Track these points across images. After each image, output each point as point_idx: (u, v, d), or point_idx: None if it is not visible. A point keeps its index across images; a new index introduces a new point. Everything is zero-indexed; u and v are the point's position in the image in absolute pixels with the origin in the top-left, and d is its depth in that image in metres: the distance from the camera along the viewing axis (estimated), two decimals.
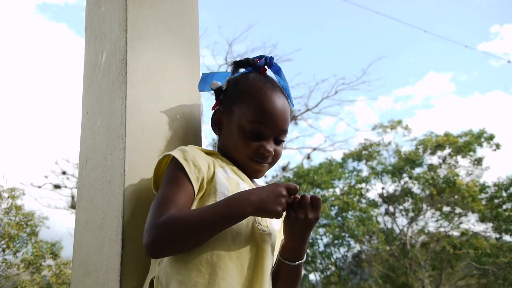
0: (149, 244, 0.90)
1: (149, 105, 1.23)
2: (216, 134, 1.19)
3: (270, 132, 1.09)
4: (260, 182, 1.21)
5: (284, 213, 0.96)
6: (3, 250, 9.84)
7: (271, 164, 1.14)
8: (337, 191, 13.03)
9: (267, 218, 1.02)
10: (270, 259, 1.01)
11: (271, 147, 1.09)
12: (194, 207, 0.98)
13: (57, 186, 11.99)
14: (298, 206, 0.96)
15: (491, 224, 11.87)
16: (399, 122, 13.28)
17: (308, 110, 12.79)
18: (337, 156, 13.77)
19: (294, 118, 12.57)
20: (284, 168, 13.16)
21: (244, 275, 0.94)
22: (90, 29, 1.50)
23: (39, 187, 11.79)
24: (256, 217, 0.99)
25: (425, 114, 21.80)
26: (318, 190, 12.72)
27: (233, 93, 1.15)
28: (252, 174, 1.13)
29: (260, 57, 1.19)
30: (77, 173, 1.45)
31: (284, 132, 1.13)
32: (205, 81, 1.24)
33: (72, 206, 11.63)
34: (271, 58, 1.18)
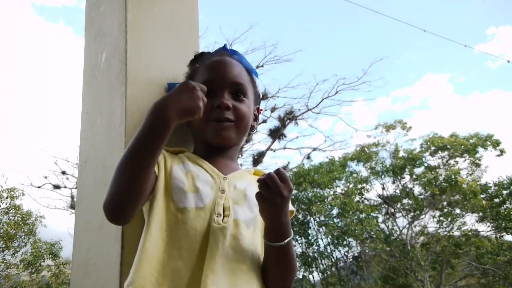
0: (105, 207, 0.89)
1: (149, 105, 1.23)
2: (188, 125, 1.17)
3: (220, 86, 1.10)
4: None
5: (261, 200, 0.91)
6: (2, 250, 9.84)
7: (237, 124, 1.10)
8: (338, 190, 12.97)
9: (230, 211, 0.96)
10: (222, 255, 0.91)
11: (226, 100, 1.09)
12: (159, 202, 0.96)
13: (56, 187, 11.96)
14: (267, 187, 0.90)
15: (491, 223, 11.89)
16: (401, 122, 13.26)
17: (308, 110, 12.76)
18: (337, 156, 13.63)
19: (294, 118, 12.54)
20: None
21: (194, 273, 0.89)
22: (90, 29, 1.50)
23: (39, 187, 11.77)
24: (214, 210, 0.95)
25: (423, 115, 21.78)
26: (318, 190, 12.66)
27: (190, 79, 1.19)
28: (216, 138, 1.08)
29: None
30: (77, 173, 1.45)
31: (238, 85, 1.12)
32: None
33: (72, 206, 11.60)
34: (225, 45, 1.21)
